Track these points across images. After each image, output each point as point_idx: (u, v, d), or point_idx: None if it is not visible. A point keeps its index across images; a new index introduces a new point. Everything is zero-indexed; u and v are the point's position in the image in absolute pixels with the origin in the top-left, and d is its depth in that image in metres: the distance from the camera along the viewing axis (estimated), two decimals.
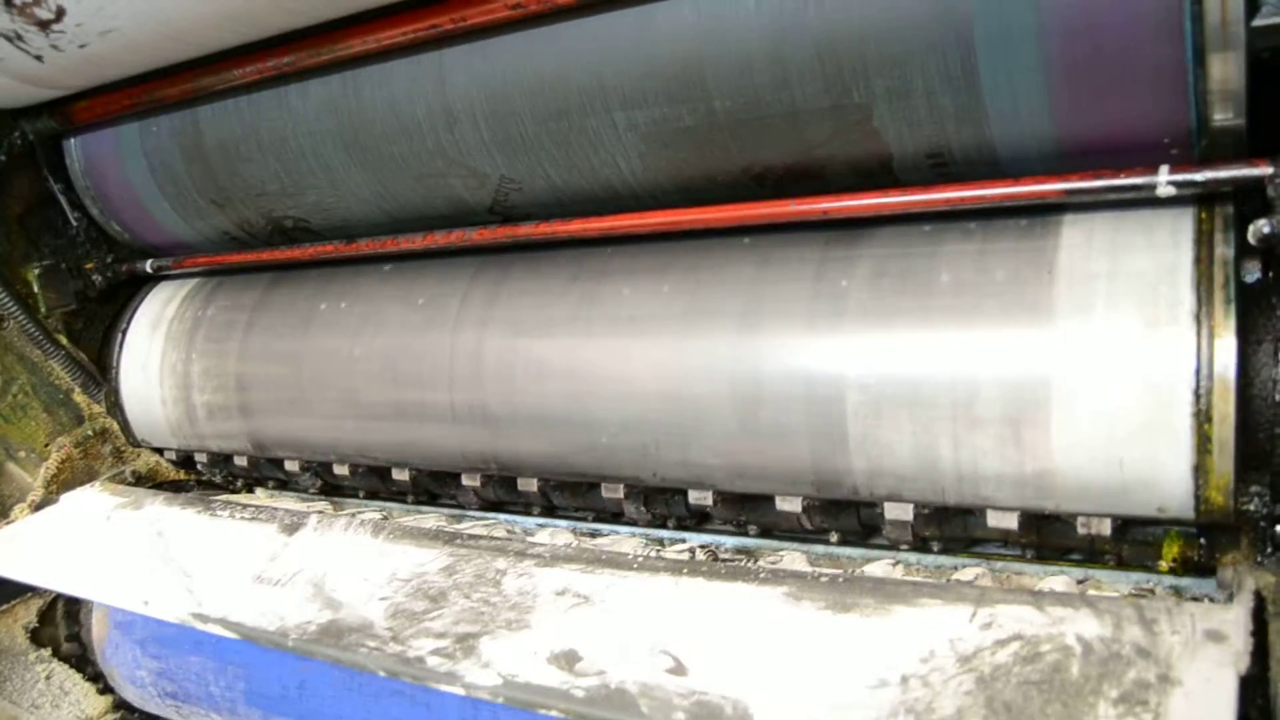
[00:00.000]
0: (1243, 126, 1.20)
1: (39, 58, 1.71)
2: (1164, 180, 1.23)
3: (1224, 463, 1.20)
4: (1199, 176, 1.22)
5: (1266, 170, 1.18)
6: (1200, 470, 1.21)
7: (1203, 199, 1.27)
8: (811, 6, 1.31)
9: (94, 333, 2.46)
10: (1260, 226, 1.18)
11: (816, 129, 1.40)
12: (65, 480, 2.41)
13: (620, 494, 1.67)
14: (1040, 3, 1.19)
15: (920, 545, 1.51)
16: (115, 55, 1.72)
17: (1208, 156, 1.24)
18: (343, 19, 1.57)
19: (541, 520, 1.89)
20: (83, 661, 2.43)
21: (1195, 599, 1.28)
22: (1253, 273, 1.27)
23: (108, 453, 2.47)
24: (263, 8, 1.53)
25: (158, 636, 2.13)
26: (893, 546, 1.54)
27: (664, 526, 1.75)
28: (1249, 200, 1.25)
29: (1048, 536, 1.40)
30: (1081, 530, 1.32)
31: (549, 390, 1.65)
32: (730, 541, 1.69)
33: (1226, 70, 1.15)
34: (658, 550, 1.68)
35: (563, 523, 1.87)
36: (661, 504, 1.69)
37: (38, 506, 2.35)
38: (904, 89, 1.31)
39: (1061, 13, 1.18)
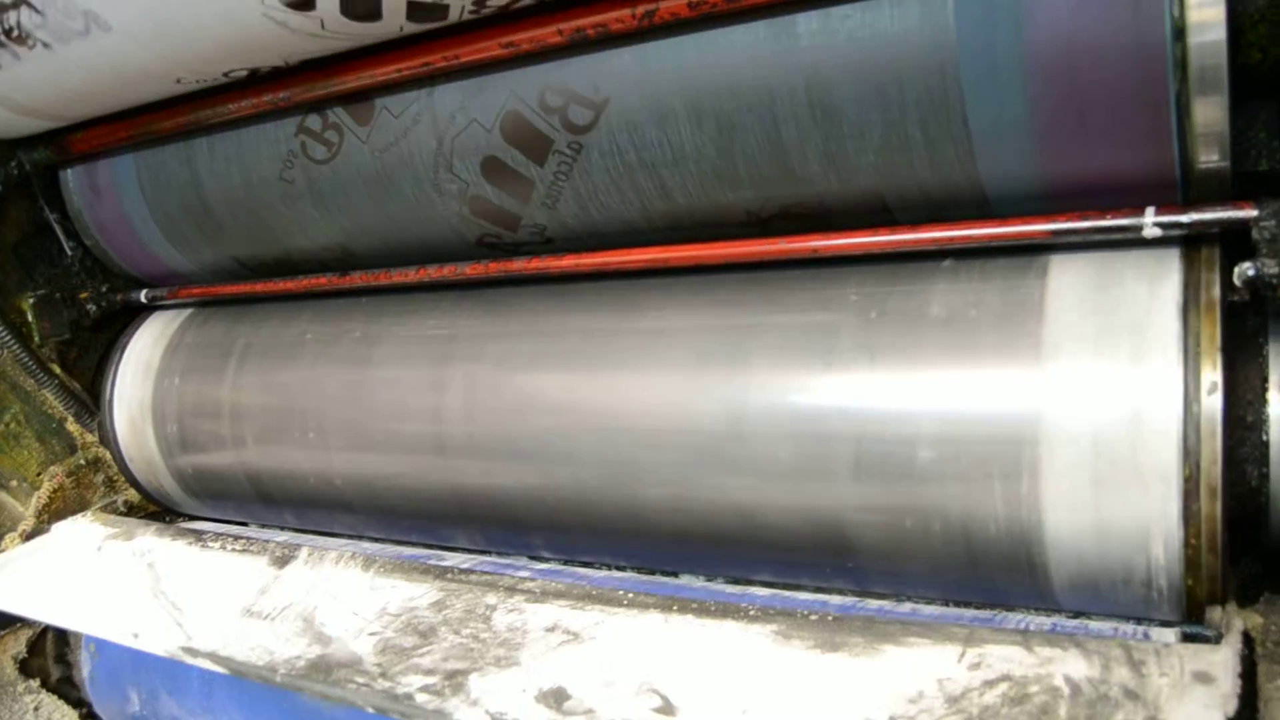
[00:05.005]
0: (1228, 169, 1.21)
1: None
2: (1150, 221, 1.24)
3: (1211, 504, 1.20)
4: (1185, 218, 1.23)
5: (1251, 213, 1.19)
6: (1188, 510, 1.21)
7: (1189, 240, 1.28)
8: (801, 48, 1.32)
9: (88, 362, 2.46)
10: (1245, 269, 1.19)
11: (809, 169, 1.41)
12: (57, 509, 2.40)
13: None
14: (1025, 47, 1.20)
15: None
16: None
17: (1194, 198, 1.25)
18: (336, 55, 1.58)
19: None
20: (71, 692, 2.42)
21: (1184, 638, 1.28)
22: (1239, 313, 1.28)
23: (100, 482, 2.46)
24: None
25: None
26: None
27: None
28: (1235, 242, 1.26)
29: None
30: None
31: (542, 426, 1.66)
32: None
33: (1210, 114, 1.17)
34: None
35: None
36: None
37: (29, 536, 2.35)
38: (892, 130, 1.32)
39: (1046, 57, 1.19)
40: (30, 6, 1.54)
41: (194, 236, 2.10)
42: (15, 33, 1.60)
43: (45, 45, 1.60)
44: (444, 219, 1.74)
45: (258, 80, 1.71)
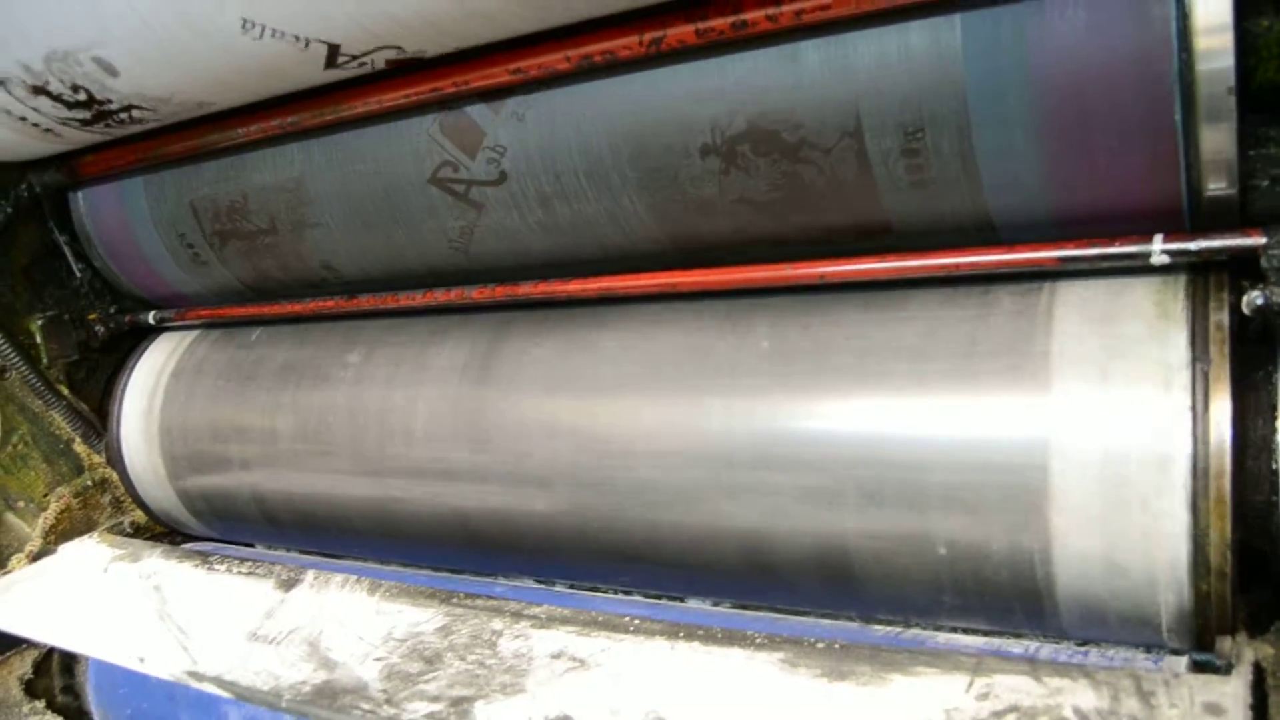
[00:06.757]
0: (1235, 196, 1.20)
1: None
2: (1158, 249, 1.24)
3: (1221, 531, 1.19)
4: (1193, 246, 1.22)
5: (1260, 240, 1.19)
6: (1197, 538, 1.20)
7: (1197, 267, 1.28)
8: (808, 77, 1.33)
9: (95, 383, 2.47)
10: (1254, 298, 1.18)
11: (817, 195, 1.41)
12: (64, 530, 2.40)
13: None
14: (1032, 74, 1.20)
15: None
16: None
17: (1202, 225, 1.25)
18: (346, 81, 1.58)
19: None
20: (77, 714, 2.41)
21: (1194, 668, 1.27)
22: (1248, 341, 1.27)
23: (107, 503, 2.46)
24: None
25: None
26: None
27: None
28: (1244, 269, 1.25)
29: None
30: None
31: (548, 450, 1.65)
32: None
33: (1218, 141, 1.16)
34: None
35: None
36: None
37: (35, 557, 2.35)
38: (901, 157, 1.32)
39: (1052, 84, 1.19)
40: (141, 108, 1.67)
41: (201, 259, 2.10)
42: (127, 119, 1.73)
43: (158, 120, 1.77)
44: (410, 145, 1.70)
45: (264, 106, 1.72)
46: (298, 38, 1.40)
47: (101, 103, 1.66)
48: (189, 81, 1.59)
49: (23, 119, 1.75)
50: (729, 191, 1.46)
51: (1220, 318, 1.23)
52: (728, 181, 1.45)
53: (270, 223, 1.96)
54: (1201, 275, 1.28)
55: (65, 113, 1.71)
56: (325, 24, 1.37)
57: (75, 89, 1.62)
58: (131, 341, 2.46)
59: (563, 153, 1.55)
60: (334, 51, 1.43)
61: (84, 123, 1.75)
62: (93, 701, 2.33)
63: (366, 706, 1.48)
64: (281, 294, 2.12)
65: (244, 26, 1.38)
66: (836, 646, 1.34)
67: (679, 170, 1.47)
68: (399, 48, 1.42)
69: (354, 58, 1.45)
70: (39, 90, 1.63)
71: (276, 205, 1.93)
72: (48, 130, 1.80)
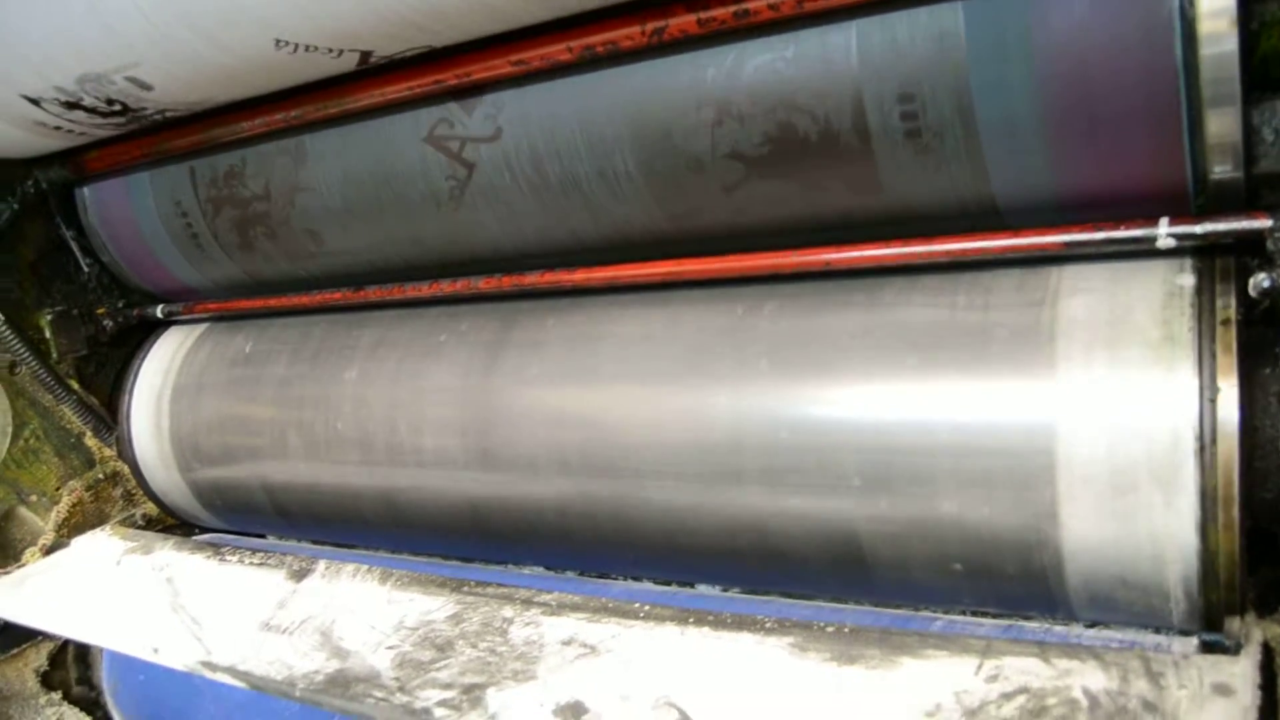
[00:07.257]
0: (1241, 179, 1.20)
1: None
2: (1164, 232, 1.24)
3: (1229, 513, 1.19)
4: (1199, 229, 1.22)
5: (1266, 223, 1.19)
6: (1205, 521, 1.20)
7: (1203, 251, 1.28)
8: (807, 59, 1.33)
9: (105, 376, 2.48)
10: (1260, 280, 1.18)
11: (820, 180, 1.41)
12: (76, 523, 2.42)
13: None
14: (1035, 58, 1.20)
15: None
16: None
17: (1207, 208, 1.25)
18: (351, 73, 1.58)
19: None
20: (93, 705, 2.44)
21: (1203, 648, 1.27)
22: (1254, 323, 1.27)
23: (118, 496, 2.48)
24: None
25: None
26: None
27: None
28: (1251, 252, 1.25)
29: None
30: None
31: (556, 439, 1.66)
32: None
33: (1223, 125, 1.16)
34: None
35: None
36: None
37: (49, 550, 2.37)
38: (905, 141, 1.32)
39: (1056, 68, 1.19)
40: (174, 110, 1.75)
41: (208, 252, 2.11)
42: (160, 119, 1.79)
43: (188, 113, 1.80)
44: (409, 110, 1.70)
45: (269, 99, 1.72)
46: (330, 49, 1.43)
47: (136, 110, 1.71)
48: (223, 90, 1.64)
49: (57, 128, 1.80)
50: (721, 144, 1.45)
51: (1227, 301, 1.23)
52: (721, 133, 1.44)
53: (264, 189, 1.95)
54: (1208, 259, 1.27)
55: (100, 120, 1.75)
56: (356, 38, 1.40)
57: (110, 102, 1.66)
58: (140, 335, 2.47)
59: (561, 111, 1.54)
60: (366, 56, 1.47)
61: (117, 126, 1.80)
62: (105, 670, 2.36)
63: (379, 695, 1.49)
64: (276, 267, 2.10)
65: (277, 45, 1.41)
66: (846, 630, 1.35)
67: (672, 123, 1.47)
68: (429, 46, 1.45)
69: (386, 57, 1.49)
70: (73, 106, 1.67)
71: (271, 170, 1.93)
72: (82, 134, 1.85)
